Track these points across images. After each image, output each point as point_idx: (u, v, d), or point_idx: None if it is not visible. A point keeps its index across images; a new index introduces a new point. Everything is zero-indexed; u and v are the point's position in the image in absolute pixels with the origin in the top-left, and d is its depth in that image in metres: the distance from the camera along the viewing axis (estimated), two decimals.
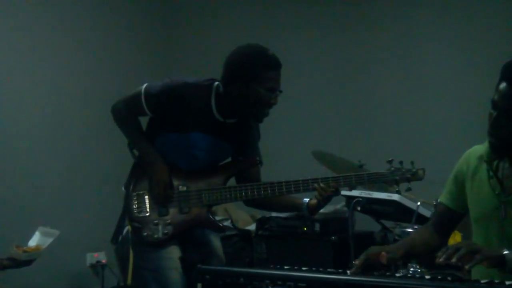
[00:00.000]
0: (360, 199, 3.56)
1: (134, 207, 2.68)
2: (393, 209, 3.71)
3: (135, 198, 2.69)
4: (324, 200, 2.61)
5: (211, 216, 2.70)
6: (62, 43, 4.89)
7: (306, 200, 2.70)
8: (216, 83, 2.71)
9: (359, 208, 3.56)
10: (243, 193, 2.64)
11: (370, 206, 3.70)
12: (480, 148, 2.27)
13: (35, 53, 4.75)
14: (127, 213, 2.71)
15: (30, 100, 4.66)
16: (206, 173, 2.72)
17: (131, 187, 2.72)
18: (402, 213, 3.70)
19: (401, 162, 2.58)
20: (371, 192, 3.65)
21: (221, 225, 2.73)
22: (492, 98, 2.04)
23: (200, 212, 2.67)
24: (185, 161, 2.72)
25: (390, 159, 2.57)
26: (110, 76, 4.96)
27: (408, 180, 2.59)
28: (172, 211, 2.67)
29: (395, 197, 3.61)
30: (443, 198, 2.41)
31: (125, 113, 2.75)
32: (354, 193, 3.54)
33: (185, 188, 2.70)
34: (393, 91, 4.79)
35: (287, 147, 5.04)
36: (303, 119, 5.10)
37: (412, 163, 2.57)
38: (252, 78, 2.57)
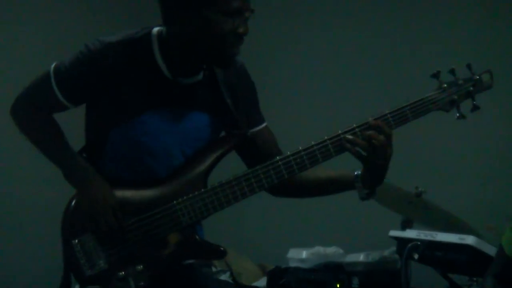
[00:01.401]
0: (418, 243, 3.04)
1: (82, 261, 2.20)
2: (466, 258, 3.18)
3: (78, 249, 2.20)
4: (380, 156, 2.18)
5: (198, 238, 2.24)
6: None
7: (358, 172, 2.24)
8: (156, 28, 2.25)
9: (416, 256, 3.06)
10: (238, 191, 2.18)
11: (433, 253, 3.15)
12: None
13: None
14: (73, 275, 2.24)
15: None
16: (178, 170, 2.26)
17: (67, 232, 2.23)
18: (480, 264, 3.08)
19: (452, 71, 2.20)
20: (434, 233, 3.16)
21: (221, 248, 2.25)
22: None
23: (182, 238, 2.22)
24: (140, 165, 2.27)
25: (436, 71, 2.19)
26: None
27: (471, 94, 2.20)
28: (141, 250, 2.22)
29: (469, 240, 3.09)
30: (507, 245, 2.27)
31: (31, 111, 2.28)
32: (409, 234, 3.13)
33: (148, 210, 2.23)
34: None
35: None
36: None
37: (469, 67, 2.21)
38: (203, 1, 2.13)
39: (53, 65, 2.25)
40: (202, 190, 2.21)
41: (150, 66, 2.23)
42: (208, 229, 2.36)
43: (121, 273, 2.20)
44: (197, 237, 2.25)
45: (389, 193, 3.18)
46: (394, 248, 3.42)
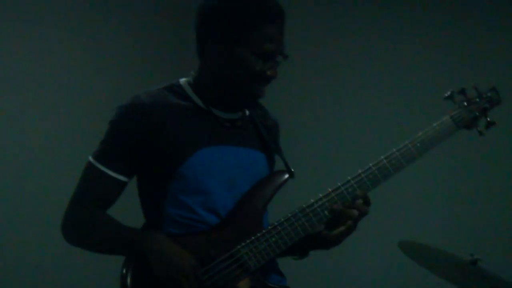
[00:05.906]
0: None
1: None
2: None
3: None
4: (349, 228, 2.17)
5: (267, 283, 2.13)
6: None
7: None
8: (183, 79, 2.23)
9: None
10: (298, 227, 2.14)
11: None
12: None
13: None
14: None
15: None
16: (235, 211, 2.16)
17: None
18: None
19: (462, 91, 2.26)
20: None
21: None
22: None
23: (253, 283, 2.10)
24: (198, 206, 2.13)
25: (448, 93, 2.25)
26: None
27: (485, 110, 2.27)
28: None
29: None
30: None
31: (90, 210, 2.14)
32: None
33: (213, 260, 2.08)
34: None
35: (365, 236, 4.09)
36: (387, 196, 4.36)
37: (475, 88, 2.28)
38: (237, 37, 2.11)
39: (89, 158, 2.16)
40: (264, 230, 2.13)
41: (187, 106, 2.18)
42: None
43: None
44: (266, 282, 2.15)
45: (442, 261, 3.05)
46: None
